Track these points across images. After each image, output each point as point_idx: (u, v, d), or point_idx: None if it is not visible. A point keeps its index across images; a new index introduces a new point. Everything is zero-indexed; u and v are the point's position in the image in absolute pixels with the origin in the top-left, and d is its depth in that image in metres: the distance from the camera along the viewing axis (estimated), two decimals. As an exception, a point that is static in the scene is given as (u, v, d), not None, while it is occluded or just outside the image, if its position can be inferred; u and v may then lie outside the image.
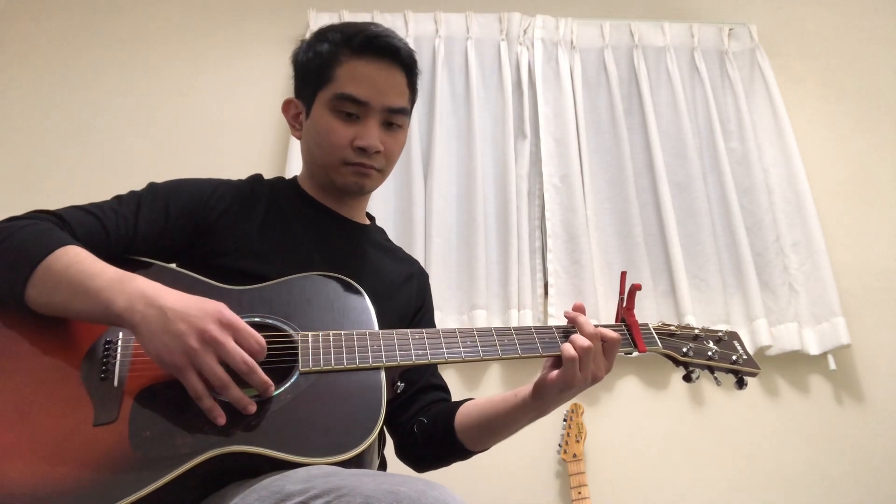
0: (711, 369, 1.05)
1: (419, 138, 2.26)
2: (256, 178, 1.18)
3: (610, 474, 1.99)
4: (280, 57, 2.38)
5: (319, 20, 2.35)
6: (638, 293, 1.05)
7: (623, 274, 1.05)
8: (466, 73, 2.35)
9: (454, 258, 2.15)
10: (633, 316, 1.03)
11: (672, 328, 1.08)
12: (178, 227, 1.03)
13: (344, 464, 0.77)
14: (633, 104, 2.40)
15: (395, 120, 1.11)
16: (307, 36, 2.24)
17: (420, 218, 2.15)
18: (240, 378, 0.80)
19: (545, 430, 1.98)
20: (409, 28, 2.37)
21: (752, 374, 1.06)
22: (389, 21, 2.37)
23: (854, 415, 2.10)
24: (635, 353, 1.01)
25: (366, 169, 1.10)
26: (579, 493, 1.81)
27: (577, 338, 0.94)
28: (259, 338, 0.82)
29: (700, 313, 2.13)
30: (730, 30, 2.51)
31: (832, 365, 2.11)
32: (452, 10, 2.42)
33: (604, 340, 0.96)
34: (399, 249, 1.29)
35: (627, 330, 1.02)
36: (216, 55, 2.42)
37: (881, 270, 2.26)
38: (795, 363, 2.14)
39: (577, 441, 1.91)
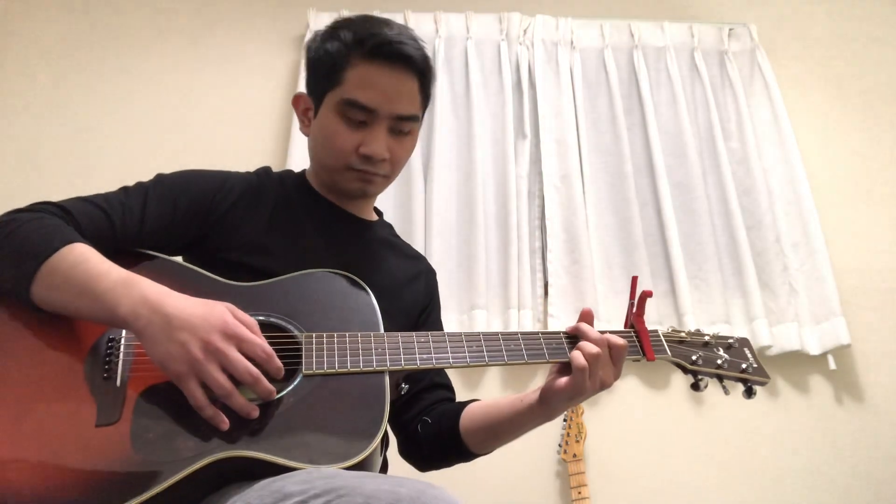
0: (720, 378, 1.03)
1: (419, 138, 2.25)
2: (265, 171, 1.17)
3: (610, 474, 1.99)
4: (280, 56, 2.37)
5: (319, 20, 2.35)
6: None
7: (634, 279, 1.04)
8: (466, 74, 2.34)
9: (454, 258, 2.15)
10: (643, 322, 1.01)
11: (682, 335, 1.05)
12: (185, 221, 1.01)
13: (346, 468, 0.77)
14: (632, 104, 2.39)
15: (403, 127, 1.09)
16: (307, 36, 2.28)
17: (420, 218, 2.15)
18: None
19: (545, 430, 1.96)
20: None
21: (762, 384, 1.04)
22: (389, 21, 2.37)
23: (854, 415, 2.10)
24: (644, 361, 0.99)
25: (370, 175, 1.08)
26: (579, 493, 1.81)
27: (586, 345, 0.93)
28: (265, 347, 0.81)
29: (700, 313, 2.13)
30: (730, 30, 2.50)
31: (832, 365, 2.11)
32: (452, 10, 2.42)
33: (610, 347, 0.95)
34: (407, 245, 1.28)
35: (636, 336, 1.01)
36: (216, 54, 2.42)
37: (881, 270, 2.26)
38: (795, 363, 2.14)
39: (577, 441, 1.91)
